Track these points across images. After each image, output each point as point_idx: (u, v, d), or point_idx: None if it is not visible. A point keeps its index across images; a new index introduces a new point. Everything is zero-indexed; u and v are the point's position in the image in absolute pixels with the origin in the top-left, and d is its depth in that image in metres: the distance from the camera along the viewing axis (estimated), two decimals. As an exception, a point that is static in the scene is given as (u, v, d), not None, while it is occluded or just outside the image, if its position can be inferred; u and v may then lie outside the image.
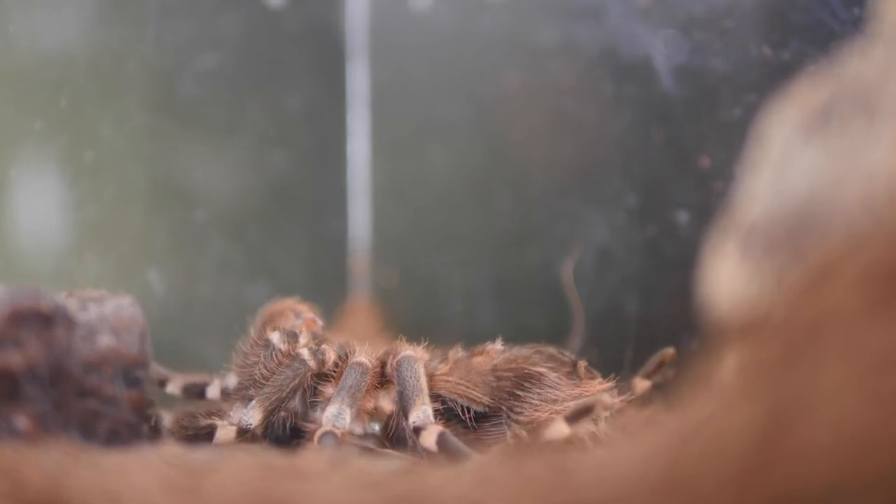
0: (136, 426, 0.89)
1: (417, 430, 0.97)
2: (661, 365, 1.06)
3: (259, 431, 1.00)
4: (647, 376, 1.06)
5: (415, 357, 1.01)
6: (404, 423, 0.98)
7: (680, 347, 1.08)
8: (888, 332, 0.53)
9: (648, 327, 1.10)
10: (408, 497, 0.68)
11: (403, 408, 0.99)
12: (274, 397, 1.00)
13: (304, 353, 1.02)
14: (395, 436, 1.02)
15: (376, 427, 1.04)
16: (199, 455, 0.80)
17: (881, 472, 0.51)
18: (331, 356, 1.03)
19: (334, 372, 1.03)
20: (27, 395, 0.82)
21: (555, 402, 0.99)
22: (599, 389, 1.01)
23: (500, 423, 1.00)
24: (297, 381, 1.01)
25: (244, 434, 0.99)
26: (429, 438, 0.96)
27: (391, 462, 0.86)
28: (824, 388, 0.54)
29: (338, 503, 0.68)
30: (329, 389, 1.02)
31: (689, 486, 0.56)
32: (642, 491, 0.58)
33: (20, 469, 0.70)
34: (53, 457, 0.74)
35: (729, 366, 0.63)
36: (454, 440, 0.95)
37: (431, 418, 0.97)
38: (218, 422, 0.99)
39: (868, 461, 0.51)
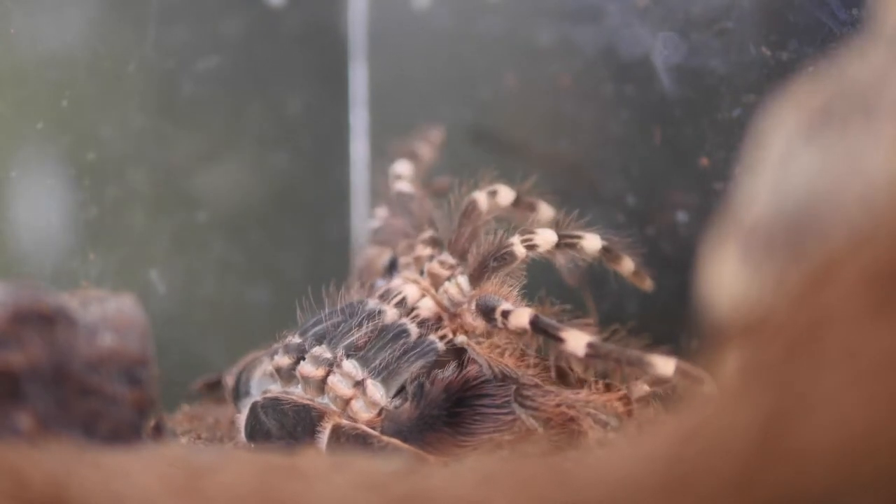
0: (138, 426, 0.89)
1: (506, 314, 0.97)
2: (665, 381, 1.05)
3: None
4: (651, 384, 1.05)
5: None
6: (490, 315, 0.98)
7: (680, 347, 1.08)
8: (889, 334, 0.54)
9: (648, 327, 1.09)
10: (410, 498, 0.68)
11: (489, 306, 0.99)
12: None
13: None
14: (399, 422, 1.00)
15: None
16: (201, 455, 0.80)
17: (881, 473, 0.51)
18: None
19: None
20: (29, 395, 0.82)
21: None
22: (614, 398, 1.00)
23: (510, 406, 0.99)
24: None
25: None
26: (521, 318, 0.95)
27: (393, 461, 0.86)
28: (825, 389, 0.54)
29: None
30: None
31: (688, 486, 0.56)
32: (642, 491, 0.58)
33: (22, 469, 0.70)
34: (56, 457, 0.74)
35: (729, 366, 0.63)
36: (547, 318, 0.95)
37: None
38: None
39: (868, 462, 0.51)
